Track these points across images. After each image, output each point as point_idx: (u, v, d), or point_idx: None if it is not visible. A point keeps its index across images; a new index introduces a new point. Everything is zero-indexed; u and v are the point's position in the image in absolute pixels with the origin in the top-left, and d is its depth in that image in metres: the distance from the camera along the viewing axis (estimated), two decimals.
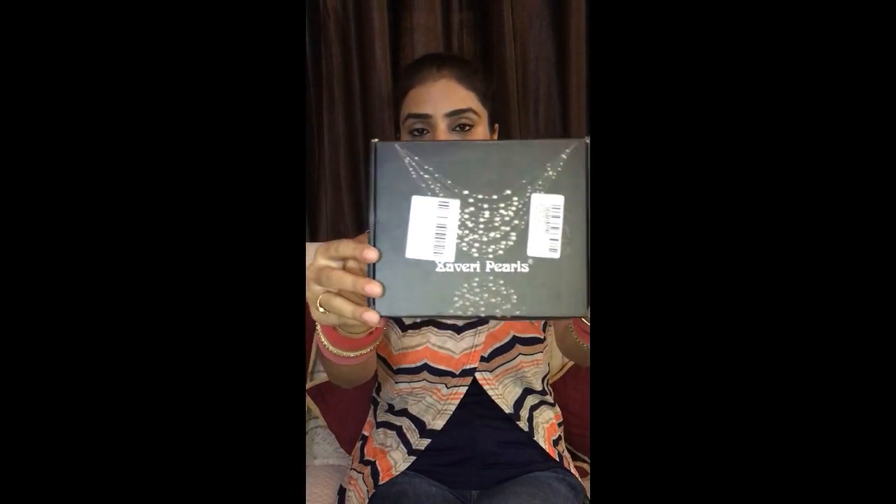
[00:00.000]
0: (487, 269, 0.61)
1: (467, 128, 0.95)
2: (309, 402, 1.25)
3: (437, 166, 0.63)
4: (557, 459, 0.98)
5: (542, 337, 1.03)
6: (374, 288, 0.60)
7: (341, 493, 1.06)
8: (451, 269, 0.61)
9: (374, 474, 0.97)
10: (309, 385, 1.25)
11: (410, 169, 0.64)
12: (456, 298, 0.61)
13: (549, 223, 0.62)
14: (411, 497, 0.91)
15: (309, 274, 0.65)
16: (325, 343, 0.73)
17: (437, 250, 0.62)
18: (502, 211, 0.63)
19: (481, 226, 0.62)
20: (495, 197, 0.63)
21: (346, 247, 0.63)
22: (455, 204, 0.63)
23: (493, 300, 0.61)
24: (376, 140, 0.64)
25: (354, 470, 1.03)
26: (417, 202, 0.63)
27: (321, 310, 0.64)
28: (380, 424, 1.03)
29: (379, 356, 1.02)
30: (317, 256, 0.65)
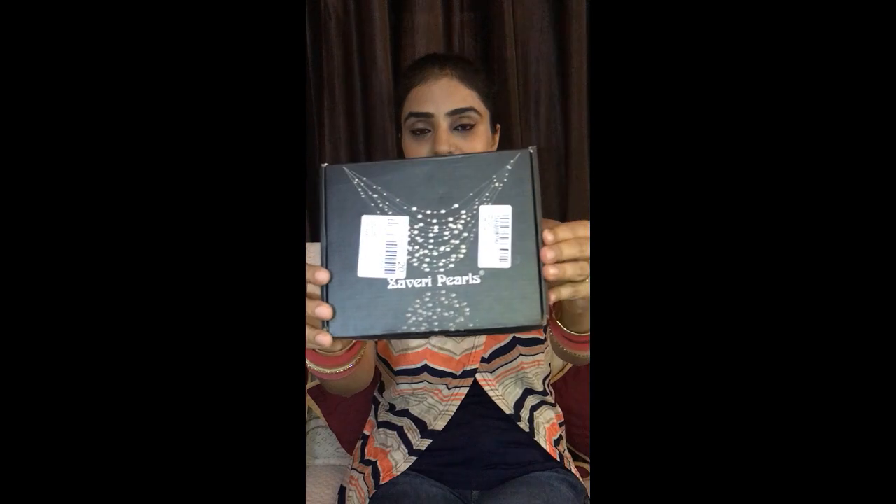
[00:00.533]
0: (439, 284, 0.62)
1: (469, 127, 0.95)
2: (310, 401, 1.25)
3: (385, 185, 0.64)
4: (558, 459, 0.98)
5: (543, 338, 1.03)
6: (323, 311, 0.61)
7: (342, 492, 1.06)
8: (403, 286, 0.62)
9: (375, 474, 0.97)
10: (310, 385, 1.25)
11: (359, 189, 0.65)
12: (409, 315, 0.61)
13: (498, 234, 0.63)
14: (412, 497, 0.91)
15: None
16: (309, 362, 0.75)
17: (388, 268, 0.62)
18: (451, 225, 0.63)
19: (431, 240, 0.63)
20: (443, 211, 0.63)
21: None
22: (404, 221, 0.63)
23: (447, 314, 0.61)
24: (325, 164, 0.66)
25: (355, 470, 1.03)
26: (367, 221, 0.64)
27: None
28: (381, 424, 1.03)
29: (380, 357, 1.02)
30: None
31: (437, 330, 0.61)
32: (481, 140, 0.96)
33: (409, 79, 0.99)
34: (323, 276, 0.62)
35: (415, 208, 0.64)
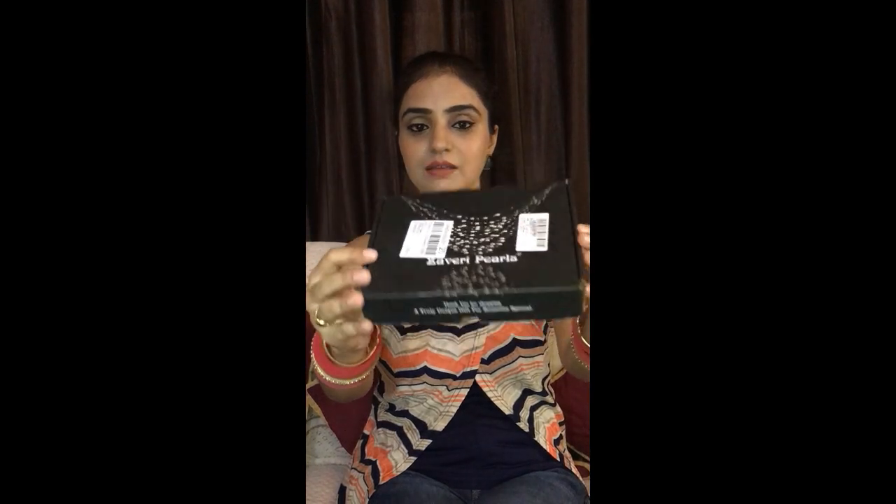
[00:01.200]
0: (477, 261, 0.62)
1: (467, 125, 0.94)
2: (310, 401, 1.25)
3: (434, 202, 0.69)
4: (558, 459, 0.98)
5: (543, 339, 1.02)
6: (362, 276, 0.60)
7: (342, 492, 1.06)
8: (442, 263, 0.62)
9: (375, 474, 0.97)
10: (310, 384, 1.25)
11: (411, 205, 0.69)
12: (445, 281, 0.60)
13: (535, 231, 0.65)
14: (412, 496, 0.91)
15: (307, 290, 0.66)
16: (322, 373, 0.75)
17: (429, 251, 0.63)
18: (492, 224, 0.66)
19: (473, 234, 0.65)
20: (486, 218, 0.67)
21: (337, 254, 0.64)
22: (449, 224, 0.66)
23: (483, 280, 0.60)
24: (385, 197, 0.71)
25: (355, 469, 1.03)
26: (415, 223, 0.67)
27: (321, 322, 0.66)
28: (381, 424, 1.03)
29: (380, 360, 1.02)
30: (311, 275, 0.65)
31: (472, 293, 0.59)
32: (479, 139, 0.96)
33: (409, 75, 0.98)
34: (371, 254, 0.62)
35: (460, 216, 0.67)
